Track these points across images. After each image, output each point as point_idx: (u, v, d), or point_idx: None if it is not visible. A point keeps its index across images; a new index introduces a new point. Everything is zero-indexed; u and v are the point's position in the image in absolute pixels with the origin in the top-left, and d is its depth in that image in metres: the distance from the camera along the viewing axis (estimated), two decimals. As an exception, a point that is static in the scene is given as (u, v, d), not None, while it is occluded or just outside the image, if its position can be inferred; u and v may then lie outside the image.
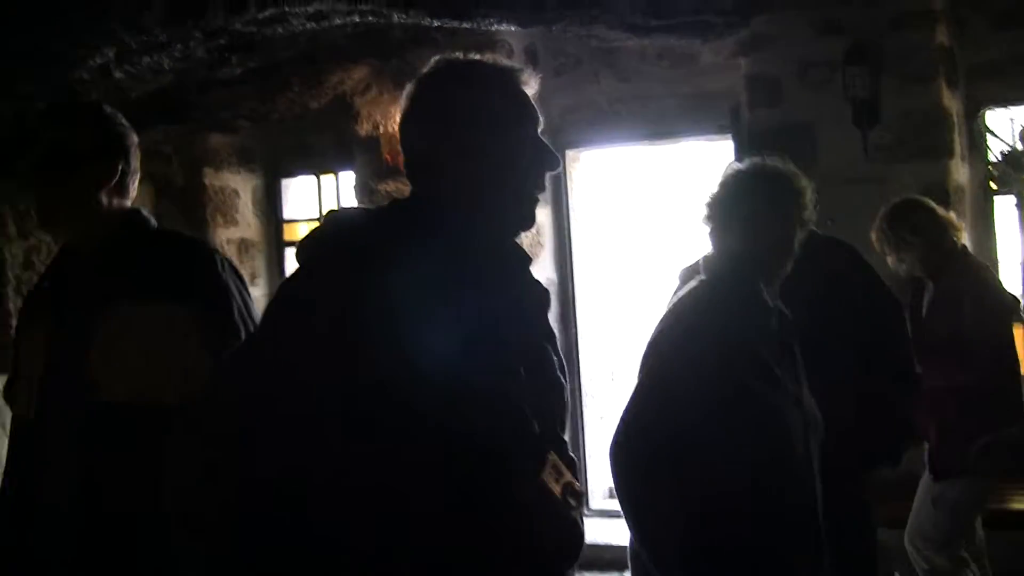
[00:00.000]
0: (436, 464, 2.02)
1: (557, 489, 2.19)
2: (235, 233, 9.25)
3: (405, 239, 2.13)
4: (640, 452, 3.12)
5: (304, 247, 2.21)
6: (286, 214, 9.56)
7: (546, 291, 2.34)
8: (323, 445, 1.99)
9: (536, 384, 2.21)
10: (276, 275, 9.43)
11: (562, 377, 2.34)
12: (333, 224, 2.24)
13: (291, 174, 9.50)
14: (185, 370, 2.81)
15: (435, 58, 2.32)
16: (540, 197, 2.30)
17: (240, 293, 3.04)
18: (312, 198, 9.50)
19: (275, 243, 9.53)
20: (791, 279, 3.31)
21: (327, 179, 9.35)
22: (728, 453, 3.00)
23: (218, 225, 9.12)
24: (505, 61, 2.34)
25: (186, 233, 3.48)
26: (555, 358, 2.34)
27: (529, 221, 2.29)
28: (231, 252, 9.09)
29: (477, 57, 2.32)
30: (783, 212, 3.25)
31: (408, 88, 2.29)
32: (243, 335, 2.95)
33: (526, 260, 2.31)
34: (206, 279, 2.99)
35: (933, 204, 5.50)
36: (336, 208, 2.71)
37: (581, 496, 2.29)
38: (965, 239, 5.73)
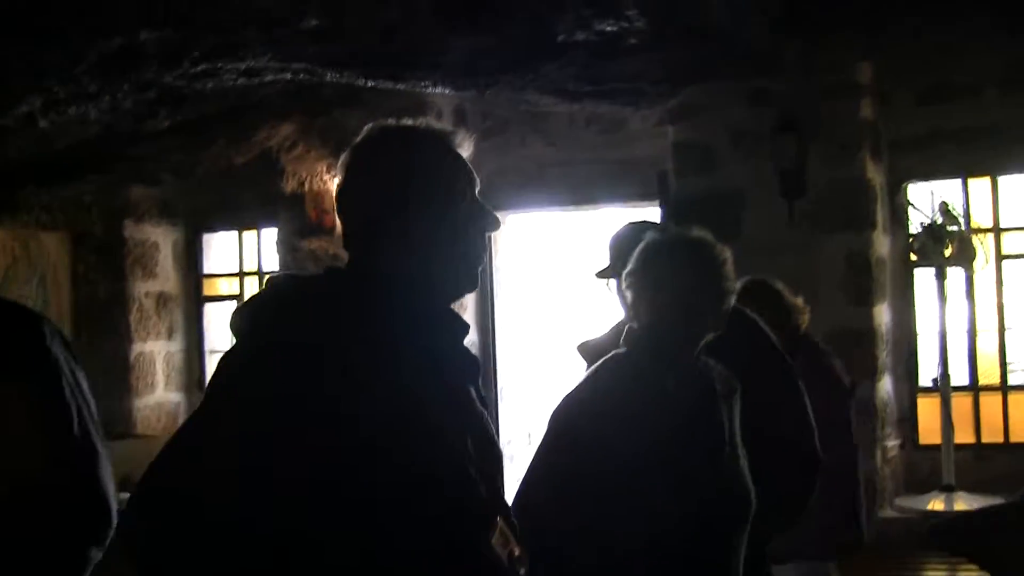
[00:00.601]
0: (392, 528, 1.99)
1: (504, 555, 2.16)
2: (154, 286, 9.14)
3: (347, 307, 2.10)
4: (534, 501, 3.09)
5: (242, 314, 2.15)
6: (206, 269, 9.47)
7: (476, 358, 2.33)
8: (287, 512, 1.95)
9: (479, 449, 2.19)
10: (194, 329, 9.33)
11: (499, 443, 2.33)
12: (272, 292, 2.19)
13: (213, 229, 9.43)
14: (14, 453, 2.60)
15: (368, 126, 2.28)
16: (482, 258, 2.28)
17: (70, 366, 2.77)
18: (233, 253, 9.42)
19: (194, 297, 9.41)
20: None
21: (249, 235, 9.29)
22: (623, 514, 2.98)
23: (137, 278, 9.01)
24: (439, 125, 2.31)
25: (7, 299, 3.00)
26: (492, 424, 2.32)
27: (472, 284, 2.26)
28: (149, 305, 9.02)
29: (410, 123, 2.30)
30: (691, 282, 3.21)
31: (344, 157, 2.25)
32: (75, 413, 2.72)
33: (464, 327, 2.29)
34: (33, 353, 2.71)
35: (781, 287, 5.56)
36: (276, 275, 2.64)
37: (525, 564, 2.26)
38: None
